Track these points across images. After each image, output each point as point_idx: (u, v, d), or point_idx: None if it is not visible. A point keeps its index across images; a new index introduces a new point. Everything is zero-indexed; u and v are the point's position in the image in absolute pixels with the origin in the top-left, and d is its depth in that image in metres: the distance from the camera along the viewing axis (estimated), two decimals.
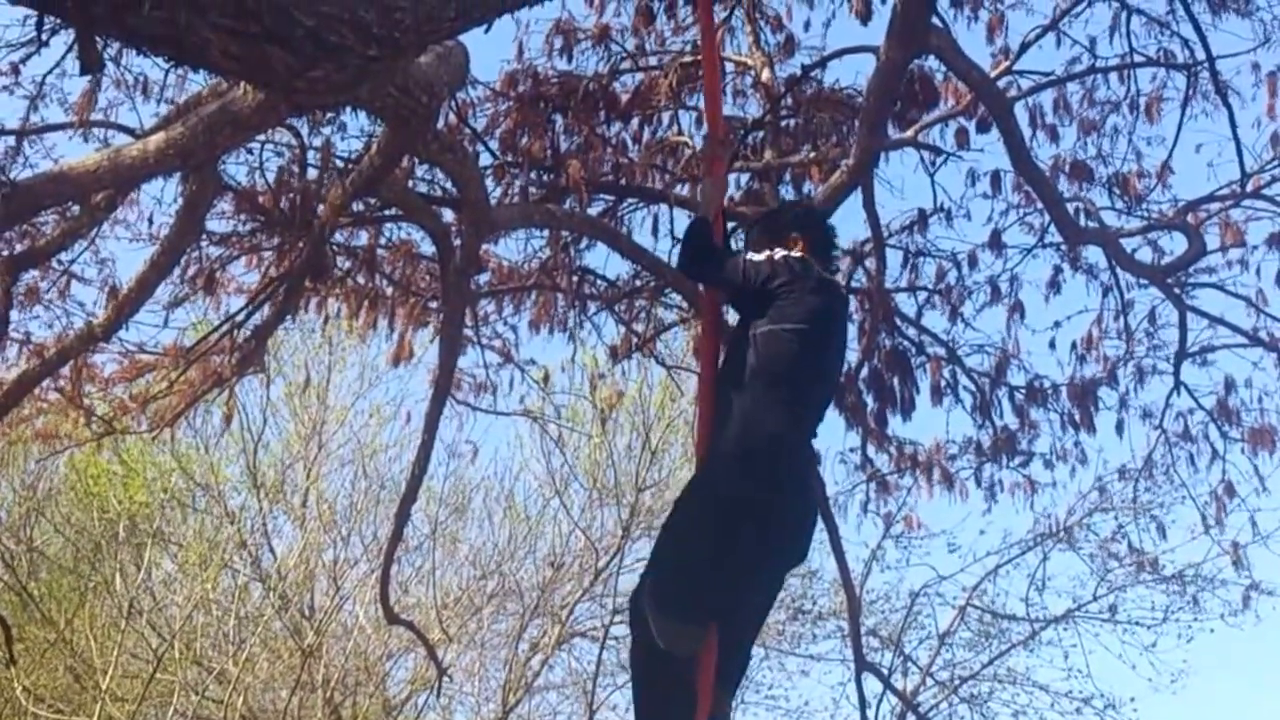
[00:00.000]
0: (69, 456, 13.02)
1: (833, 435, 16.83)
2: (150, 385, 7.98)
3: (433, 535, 14.84)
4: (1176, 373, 8.17)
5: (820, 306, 3.69)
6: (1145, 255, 7.75)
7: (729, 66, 7.26)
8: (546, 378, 9.36)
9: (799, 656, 15.99)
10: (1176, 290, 7.76)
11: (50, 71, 6.40)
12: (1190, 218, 7.46)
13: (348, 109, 6.22)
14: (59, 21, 3.13)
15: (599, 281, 8.04)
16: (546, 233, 7.48)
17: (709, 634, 3.46)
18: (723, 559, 3.46)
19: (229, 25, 2.64)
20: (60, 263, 7.07)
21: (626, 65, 7.17)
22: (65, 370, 7.29)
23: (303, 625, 13.73)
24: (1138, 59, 7.05)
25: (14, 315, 6.72)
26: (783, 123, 7.37)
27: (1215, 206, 7.54)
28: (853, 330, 7.28)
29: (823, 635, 15.81)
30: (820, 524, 5.03)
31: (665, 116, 7.30)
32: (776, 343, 3.55)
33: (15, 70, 6.33)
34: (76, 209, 6.41)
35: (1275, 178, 7.34)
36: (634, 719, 3.65)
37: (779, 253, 3.69)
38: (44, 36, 5.07)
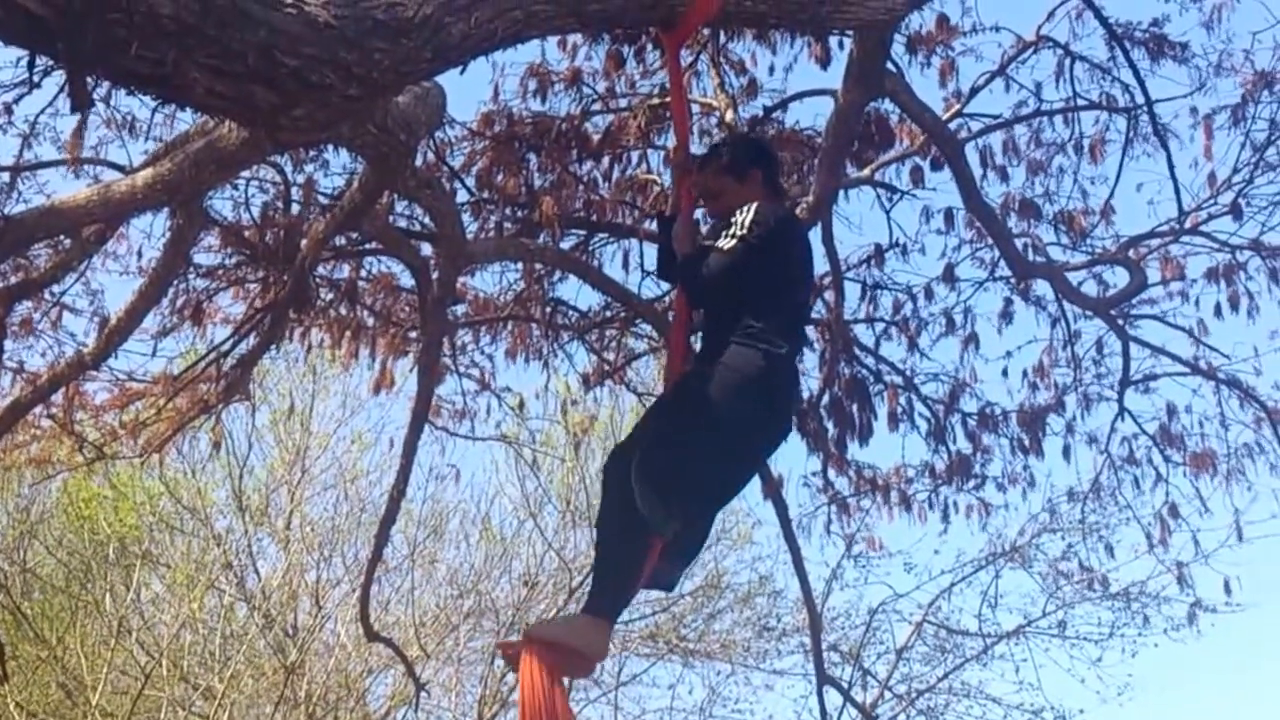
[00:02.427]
0: (61, 481, 13.17)
1: (795, 459, 17.15)
2: (139, 412, 8.10)
3: (411, 556, 14.94)
4: (1121, 400, 8.40)
5: (795, 238, 3.87)
6: (1090, 288, 8.00)
7: (694, 108, 7.46)
8: (521, 404, 9.58)
9: (764, 671, 16.32)
10: (1120, 321, 7.98)
11: (43, 111, 6.55)
12: (1132, 253, 7.69)
13: (330, 146, 6.37)
14: (50, 62, 3.12)
15: (571, 312, 8.24)
16: (521, 266, 7.65)
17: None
18: (726, 463, 3.61)
19: (215, 65, 2.68)
20: (52, 294, 7.22)
21: (597, 107, 7.33)
22: (57, 398, 7.45)
23: (286, 643, 13.79)
24: (1081, 103, 7.28)
25: (8, 345, 6.86)
26: None
27: (1155, 242, 7.78)
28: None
29: (786, 651, 16.17)
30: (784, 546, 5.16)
31: (634, 155, 7.50)
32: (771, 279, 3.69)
33: (8, 110, 6.44)
34: (68, 242, 6.57)
35: (1212, 215, 7.59)
36: (595, 565, 3.79)
37: (744, 219, 3.67)
38: (36, 77, 5.19)
